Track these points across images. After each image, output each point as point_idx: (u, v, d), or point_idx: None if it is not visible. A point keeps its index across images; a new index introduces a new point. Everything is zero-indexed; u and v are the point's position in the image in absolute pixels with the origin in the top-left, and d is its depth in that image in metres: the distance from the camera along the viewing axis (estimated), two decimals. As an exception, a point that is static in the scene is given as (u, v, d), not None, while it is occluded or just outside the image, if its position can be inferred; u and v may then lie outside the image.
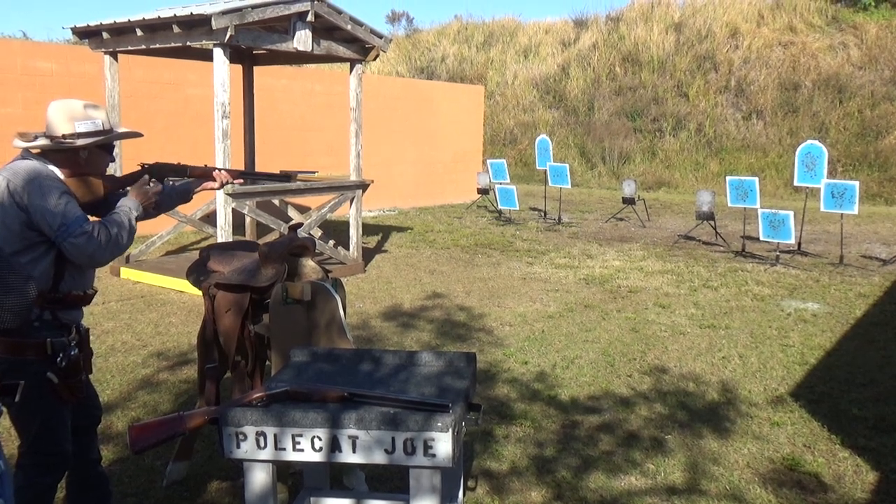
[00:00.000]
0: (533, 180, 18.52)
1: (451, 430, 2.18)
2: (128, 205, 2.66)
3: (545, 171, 13.14)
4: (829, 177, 9.81)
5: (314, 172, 8.34)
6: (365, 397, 2.33)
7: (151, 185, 2.79)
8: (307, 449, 2.24)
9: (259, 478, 2.30)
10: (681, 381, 5.07)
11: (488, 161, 14.52)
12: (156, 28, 7.14)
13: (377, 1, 58.66)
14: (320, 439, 2.23)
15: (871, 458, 3.91)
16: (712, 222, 10.81)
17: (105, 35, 7.63)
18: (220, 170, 3.12)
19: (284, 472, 3.45)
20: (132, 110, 9.44)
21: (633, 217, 13.45)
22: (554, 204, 13.87)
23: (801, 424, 4.37)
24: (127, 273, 7.99)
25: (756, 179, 10.02)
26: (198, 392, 3.51)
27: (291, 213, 9.34)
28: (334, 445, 2.23)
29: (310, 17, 7.26)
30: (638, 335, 6.15)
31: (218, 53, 6.80)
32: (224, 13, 6.56)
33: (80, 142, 2.57)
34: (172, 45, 7.14)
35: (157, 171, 2.92)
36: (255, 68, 9.29)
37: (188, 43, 6.98)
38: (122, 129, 2.83)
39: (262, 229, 9.14)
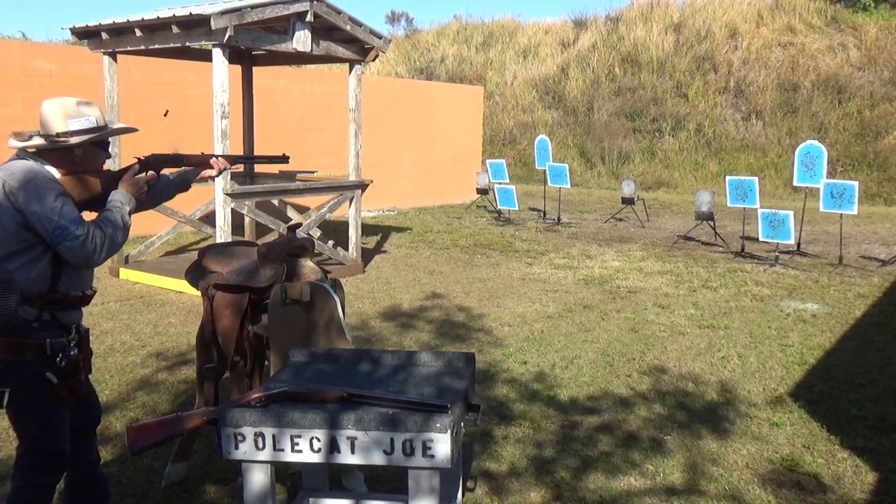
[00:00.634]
0: (532, 180, 18.52)
1: (449, 430, 2.18)
2: (120, 199, 2.63)
3: (544, 171, 13.13)
4: (828, 177, 9.81)
5: (313, 172, 8.34)
6: (364, 398, 2.33)
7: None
8: (306, 450, 2.24)
9: (258, 479, 2.30)
10: (680, 381, 5.07)
11: (487, 161, 14.52)
12: (155, 28, 7.13)
13: (376, 1, 58.70)
14: (319, 440, 2.22)
15: (870, 459, 3.91)
16: (712, 222, 10.81)
17: (104, 35, 7.62)
18: (217, 157, 3.10)
19: (283, 472, 3.44)
20: (131, 111, 9.43)
21: (632, 217, 13.45)
22: (553, 204, 13.87)
23: (800, 425, 4.36)
24: (126, 273, 7.98)
25: (755, 179, 10.01)
26: (196, 392, 3.51)
27: (290, 213, 9.33)
28: (333, 446, 2.23)
29: (309, 18, 7.26)
30: (637, 335, 6.15)
31: (217, 54, 6.79)
32: (223, 13, 6.56)
33: (74, 139, 2.56)
34: (171, 45, 7.14)
35: (154, 163, 2.90)
36: (255, 69, 9.29)
37: (187, 43, 6.97)
38: (117, 125, 2.82)
39: (261, 229, 9.14)
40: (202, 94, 10.51)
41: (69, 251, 2.45)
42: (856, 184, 9.18)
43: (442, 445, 2.18)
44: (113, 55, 7.86)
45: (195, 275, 3.43)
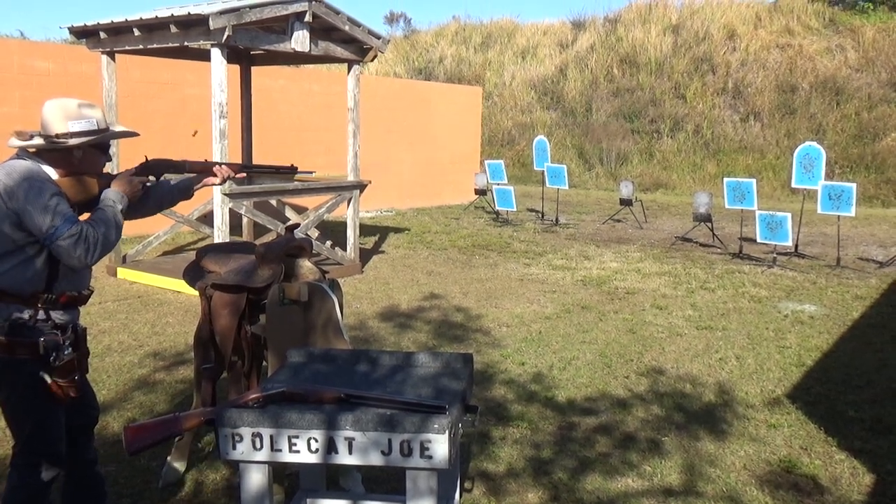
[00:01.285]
0: (530, 181, 18.52)
1: (447, 431, 2.18)
2: (112, 198, 2.62)
3: (543, 171, 13.14)
4: (826, 179, 9.82)
5: (312, 172, 8.33)
6: (361, 398, 2.33)
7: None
8: (303, 450, 2.24)
9: (255, 479, 2.30)
10: (678, 382, 5.07)
11: (486, 162, 14.52)
12: (153, 28, 7.12)
13: (375, 1, 58.71)
14: (317, 440, 2.22)
15: (867, 460, 3.91)
16: (709, 224, 10.82)
17: (102, 35, 7.61)
18: (220, 164, 3.07)
19: (281, 473, 3.44)
20: (130, 110, 9.42)
21: (630, 218, 13.46)
22: (551, 205, 13.87)
23: (797, 426, 4.37)
24: (124, 273, 7.97)
25: (753, 181, 10.02)
26: (194, 392, 3.50)
27: (289, 213, 9.33)
28: (331, 447, 2.22)
29: (307, 18, 7.25)
30: (635, 336, 6.15)
31: (215, 53, 6.79)
32: (221, 13, 6.55)
33: (73, 141, 2.55)
34: (170, 45, 7.13)
35: (155, 168, 2.89)
36: (253, 68, 9.29)
37: (186, 43, 6.97)
38: (118, 128, 2.81)
39: (259, 230, 9.13)
40: (200, 93, 10.50)
41: (62, 250, 2.44)
42: (853, 186, 9.19)
43: (440, 446, 2.18)
44: (111, 54, 7.86)
45: (193, 275, 3.42)
